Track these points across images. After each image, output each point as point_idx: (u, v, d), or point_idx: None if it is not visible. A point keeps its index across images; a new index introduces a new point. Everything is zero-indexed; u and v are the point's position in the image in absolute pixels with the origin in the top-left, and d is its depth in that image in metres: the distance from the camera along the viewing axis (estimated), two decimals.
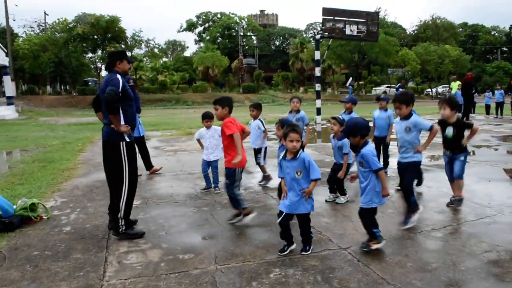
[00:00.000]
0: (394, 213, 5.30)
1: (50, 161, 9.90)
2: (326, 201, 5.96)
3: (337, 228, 4.86)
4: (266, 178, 7.11)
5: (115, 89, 4.49)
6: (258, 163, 7.14)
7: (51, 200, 6.43)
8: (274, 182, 6.74)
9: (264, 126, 6.94)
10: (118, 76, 4.61)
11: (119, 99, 4.53)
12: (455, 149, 5.40)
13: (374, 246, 4.14)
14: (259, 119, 6.96)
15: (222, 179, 5.90)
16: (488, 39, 67.79)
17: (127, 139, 4.69)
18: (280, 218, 4.08)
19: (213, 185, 6.74)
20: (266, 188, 6.89)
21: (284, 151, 4.13)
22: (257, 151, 7.07)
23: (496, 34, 71.53)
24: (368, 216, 4.16)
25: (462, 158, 5.39)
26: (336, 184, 5.99)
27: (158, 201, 6.29)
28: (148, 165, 8.48)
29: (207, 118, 6.69)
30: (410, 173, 4.91)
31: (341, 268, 3.77)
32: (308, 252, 4.11)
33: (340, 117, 5.96)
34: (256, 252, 4.20)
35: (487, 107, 21.07)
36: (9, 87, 29.23)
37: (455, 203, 5.43)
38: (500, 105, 19.54)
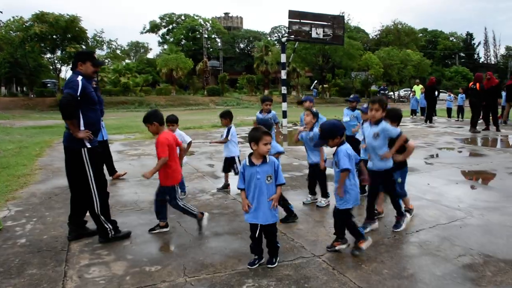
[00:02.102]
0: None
1: (5, 167, 9.34)
2: (303, 203, 5.85)
3: (309, 235, 4.72)
4: (226, 187, 6.92)
5: (72, 92, 4.22)
6: (236, 173, 6.91)
7: (4, 210, 6.00)
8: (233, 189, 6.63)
9: (227, 135, 6.68)
10: (79, 78, 4.33)
11: (77, 103, 4.25)
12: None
13: (338, 247, 4.08)
14: (229, 127, 6.73)
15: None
16: (446, 44, 70.20)
17: (88, 145, 4.41)
18: (258, 231, 3.86)
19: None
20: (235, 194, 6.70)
21: (248, 157, 3.90)
22: (229, 160, 6.83)
23: (454, 40, 74.15)
24: (346, 217, 4.05)
25: (399, 180, 5.10)
26: (319, 184, 5.86)
27: (122, 208, 5.98)
28: (111, 170, 8.12)
29: (168, 122, 6.40)
30: (387, 180, 4.76)
31: (316, 278, 3.62)
32: (275, 265, 3.88)
33: (314, 109, 5.92)
34: (227, 262, 4.00)
35: (448, 110, 21.64)
36: None
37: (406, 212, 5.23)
38: (461, 108, 20.09)
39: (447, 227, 4.83)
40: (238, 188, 3.95)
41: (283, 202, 5.15)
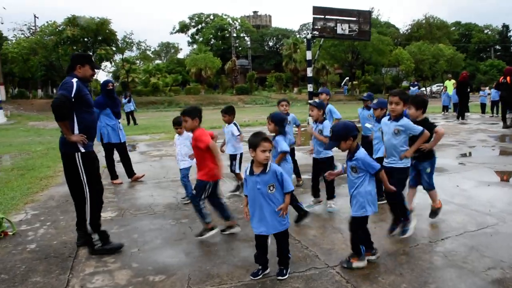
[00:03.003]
0: (388, 224, 4.85)
1: (30, 169, 9.47)
2: (305, 207, 5.52)
3: (325, 243, 4.44)
4: (239, 187, 6.68)
5: (66, 94, 4.09)
6: (233, 171, 6.71)
7: (21, 213, 5.99)
8: None
9: (239, 130, 6.49)
10: (74, 80, 4.20)
11: (71, 105, 4.12)
12: (418, 152, 4.66)
13: (356, 264, 3.75)
14: (234, 123, 6.52)
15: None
16: (481, 37, 67.67)
17: (82, 150, 4.27)
18: (262, 242, 3.66)
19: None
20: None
21: (250, 165, 3.68)
22: (232, 158, 6.64)
23: (489, 32, 71.42)
24: (361, 227, 3.77)
25: (428, 169, 4.78)
26: (326, 184, 5.54)
27: (136, 212, 5.86)
28: (130, 172, 8.05)
29: (176, 125, 6.24)
30: (398, 180, 4.42)
31: None
32: (286, 276, 3.63)
33: (316, 100, 5.67)
34: (234, 273, 3.78)
35: (483, 106, 20.69)
36: None
37: (431, 214, 4.96)
38: (496, 103, 19.16)
39: (476, 235, 4.45)
40: (244, 195, 3.76)
41: (292, 202, 4.93)
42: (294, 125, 7.15)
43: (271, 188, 3.54)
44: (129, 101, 21.60)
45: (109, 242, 4.45)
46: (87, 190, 4.30)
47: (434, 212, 4.93)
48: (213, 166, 4.53)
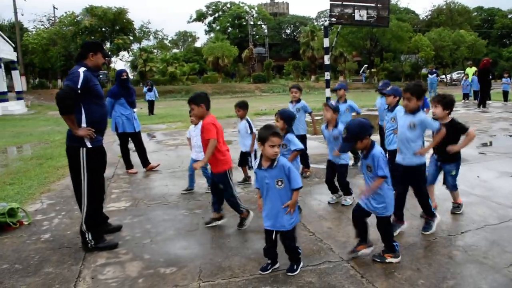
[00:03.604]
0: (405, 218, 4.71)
1: (48, 158, 9.56)
2: (329, 203, 5.42)
3: (340, 235, 4.34)
4: (246, 180, 6.65)
5: (71, 84, 3.93)
6: (250, 167, 6.61)
7: (37, 202, 6.03)
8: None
9: (251, 128, 6.32)
10: (81, 69, 4.04)
11: (77, 97, 3.97)
12: (443, 154, 4.56)
13: (390, 260, 3.63)
14: (246, 119, 6.40)
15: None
16: (504, 22, 65.59)
17: (89, 145, 4.10)
18: (272, 236, 3.54)
19: (206, 184, 6.25)
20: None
21: (260, 159, 3.58)
22: (246, 154, 6.52)
23: None
24: (387, 225, 3.67)
25: (453, 172, 4.64)
26: (340, 184, 5.43)
27: (150, 202, 5.84)
28: (145, 162, 8.04)
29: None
30: (417, 179, 4.26)
31: (341, 287, 3.27)
32: (296, 272, 3.53)
33: (333, 103, 5.42)
34: (246, 266, 3.72)
35: (505, 94, 20.07)
36: (18, 82, 29.09)
37: (453, 209, 4.82)
38: None
39: (497, 229, 4.29)
40: (255, 187, 3.67)
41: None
42: (306, 113, 7.03)
43: (279, 183, 3.42)
44: (150, 90, 21.14)
45: (104, 240, 4.32)
46: (85, 188, 4.13)
47: (457, 207, 4.81)
48: (222, 154, 4.45)
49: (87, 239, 4.20)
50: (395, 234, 4.16)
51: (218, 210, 4.74)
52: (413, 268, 3.51)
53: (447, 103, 4.49)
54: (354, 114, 7.37)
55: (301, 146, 4.80)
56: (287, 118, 4.86)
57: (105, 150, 4.50)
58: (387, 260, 3.61)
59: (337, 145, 5.29)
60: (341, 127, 5.25)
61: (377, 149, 3.56)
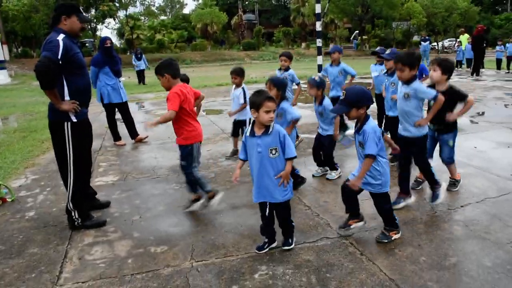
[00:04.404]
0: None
1: (33, 131, 9.26)
2: (313, 176, 5.24)
3: (337, 209, 4.19)
4: (235, 153, 6.33)
5: (50, 56, 3.59)
6: (234, 136, 6.38)
7: (21, 178, 5.81)
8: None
9: (245, 98, 5.98)
10: (59, 37, 3.68)
11: (58, 69, 3.66)
12: (440, 124, 4.33)
13: (395, 237, 3.49)
14: (242, 88, 6.08)
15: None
16: None
17: (74, 119, 3.84)
18: (267, 210, 3.36)
19: None
20: None
21: (251, 126, 3.33)
22: (241, 123, 6.20)
23: None
24: (384, 202, 3.48)
25: (450, 142, 4.40)
26: (324, 157, 5.25)
27: (138, 176, 5.64)
28: (133, 133, 7.80)
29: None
30: (418, 150, 4.10)
31: (340, 265, 3.13)
32: (291, 246, 3.42)
33: (316, 78, 5.14)
34: (240, 243, 3.56)
35: (498, 62, 19.89)
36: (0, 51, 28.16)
37: (449, 186, 4.51)
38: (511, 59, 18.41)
39: (497, 202, 4.17)
40: (240, 159, 3.44)
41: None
42: (294, 84, 6.78)
43: (273, 152, 3.20)
44: (139, 59, 20.03)
45: (91, 218, 4.11)
46: (71, 164, 3.90)
47: (454, 184, 4.58)
48: (191, 128, 4.11)
49: (74, 217, 4.00)
50: (399, 207, 4.05)
51: (194, 190, 4.41)
52: (414, 245, 3.39)
53: (447, 67, 4.22)
54: (349, 78, 7.14)
55: (298, 115, 4.55)
56: (280, 85, 4.57)
57: (90, 123, 4.26)
58: (393, 238, 3.47)
59: (322, 121, 5.10)
60: (326, 102, 5.03)
61: (370, 125, 3.30)
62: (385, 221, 3.52)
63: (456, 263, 3.10)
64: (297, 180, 4.72)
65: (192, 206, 4.33)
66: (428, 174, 4.19)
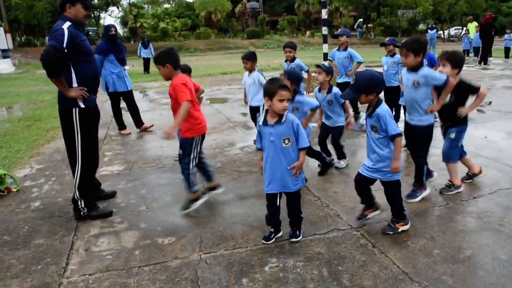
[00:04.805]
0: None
1: (37, 119, 9.20)
2: (336, 167, 5.12)
3: (347, 200, 4.12)
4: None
5: (56, 44, 3.56)
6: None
7: (26, 167, 5.76)
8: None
9: (265, 79, 5.94)
10: (65, 25, 3.63)
11: (65, 56, 3.62)
12: (448, 119, 4.13)
13: (402, 228, 3.42)
14: (258, 71, 5.94)
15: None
16: None
17: (82, 105, 3.81)
18: (275, 201, 3.30)
19: None
20: None
21: (264, 114, 3.25)
22: (256, 109, 6.06)
23: None
24: (397, 191, 3.40)
25: (452, 135, 4.11)
26: (333, 146, 5.16)
27: (144, 165, 5.58)
28: (138, 122, 7.73)
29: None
30: (425, 139, 3.95)
31: (352, 258, 3.07)
32: (299, 238, 3.35)
33: (326, 64, 5.04)
34: (250, 235, 3.50)
35: (507, 50, 19.59)
36: (3, 39, 27.98)
37: (442, 188, 4.23)
38: None
39: (511, 194, 4.08)
40: (257, 148, 3.38)
41: (314, 155, 4.68)
42: (303, 71, 6.67)
43: (286, 141, 3.13)
44: (145, 47, 19.69)
45: (97, 208, 4.07)
46: (79, 151, 3.87)
47: (448, 187, 4.21)
48: (195, 119, 3.95)
49: (80, 206, 3.96)
50: (417, 200, 3.97)
51: (210, 179, 4.33)
52: (427, 237, 3.32)
53: (456, 60, 4.00)
54: (355, 64, 7.03)
55: (316, 103, 4.47)
56: (295, 78, 4.47)
57: (99, 110, 4.21)
58: (399, 230, 3.40)
59: (331, 110, 4.99)
60: (335, 90, 4.93)
61: (383, 107, 3.24)
62: (393, 211, 3.45)
63: (471, 256, 3.03)
64: (327, 166, 4.87)
65: (191, 207, 4.04)
66: (419, 171, 4.03)
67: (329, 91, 4.92)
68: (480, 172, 4.45)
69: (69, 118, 3.83)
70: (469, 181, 4.43)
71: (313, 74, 6.16)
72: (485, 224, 3.50)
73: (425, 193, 4.06)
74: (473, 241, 3.24)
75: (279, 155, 3.16)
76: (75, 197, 3.96)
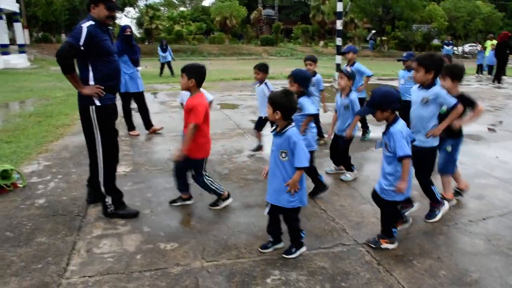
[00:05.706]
0: (425, 200, 4.23)
1: (48, 116, 9.24)
2: (326, 172, 5.15)
3: (353, 214, 4.06)
4: (259, 148, 6.27)
5: (72, 41, 3.59)
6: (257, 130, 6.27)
7: (33, 163, 5.76)
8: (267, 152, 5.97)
9: (269, 91, 5.89)
10: (85, 24, 3.65)
11: (80, 54, 3.66)
12: (445, 131, 3.94)
13: (385, 246, 3.37)
14: (265, 83, 5.91)
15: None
16: None
17: (97, 103, 3.80)
18: (267, 208, 3.27)
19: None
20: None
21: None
22: (265, 120, 6.04)
23: None
24: (391, 211, 3.36)
25: (448, 147, 4.06)
26: (340, 158, 5.13)
27: (151, 168, 5.56)
28: (148, 124, 7.73)
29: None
30: (428, 160, 3.88)
31: (356, 274, 3.01)
32: (292, 256, 3.25)
33: (349, 69, 5.02)
34: (253, 244, 3.46)
35: None
36: (20, 34, 28.32)
37: (426, 215, 4.01)
38: None
39: None
40: None
41: (312, 176, 4.49)
42: (318, 90, 6.62)
43: (283, 155, 3.07)
44: (164, 51, 19.25)
45: (125, 207, 4.11)
46: (101, 148, 3.90)
47: (433, 212, 4.02)
48: (204, 140, 4.03)
49: (107, 203, 4.01)
50: (438, 219, 3.90)
51: (186, 189, 4.36)
52: (434, 257, 3.25)
53: (455, 73, 3.95)
54: (364, 78, 6.97)
55: (312, 111, 4.39)
56: (302, 79, 4.42)
57: (117, 110, 4.17)
58: (382, 246, 3.36)
59: (346, 117, 4.97)
60: (353, 95, 4.93)
61: (397, 126, 3.18)
62: (382, 227, 3.42)
63: (478, 279, 2.95)
64: (318, 187, 4.55)
65: (220, 205, 4.26)
66: (428, 192, 3.95)
67: (348, 95, 4.94)
68: (464, 190, 4.40)
69: (87, 116, 3.85)
70: (457, 197, 4.36)
71: (326, 83, 6.11)
72: (494, 247, 3.42)
73: (444, 209, 3.97)
74: (481, 264, 3.17)
75: (277, 166, 3.12)
76: (102, 193, 3.99)
